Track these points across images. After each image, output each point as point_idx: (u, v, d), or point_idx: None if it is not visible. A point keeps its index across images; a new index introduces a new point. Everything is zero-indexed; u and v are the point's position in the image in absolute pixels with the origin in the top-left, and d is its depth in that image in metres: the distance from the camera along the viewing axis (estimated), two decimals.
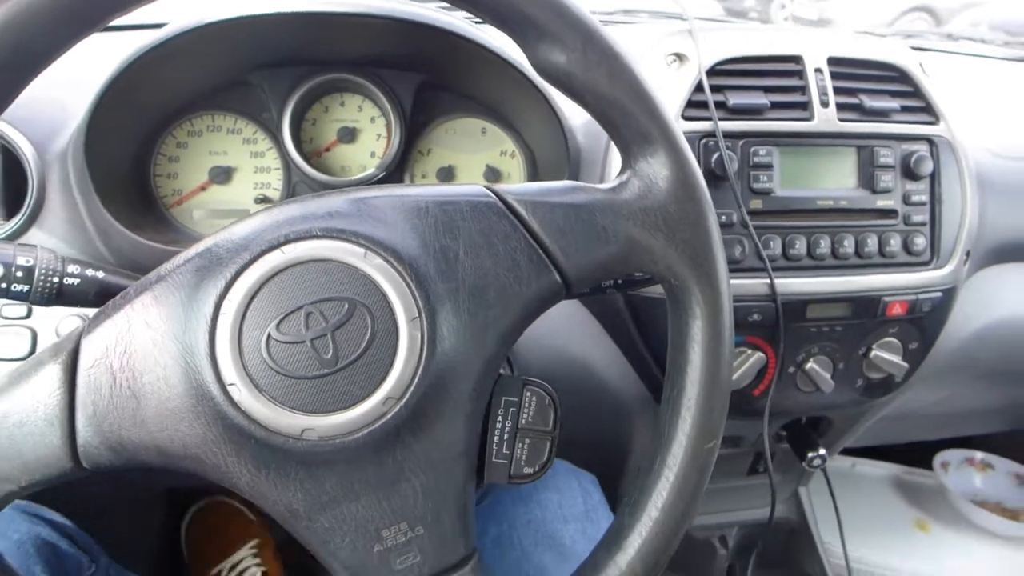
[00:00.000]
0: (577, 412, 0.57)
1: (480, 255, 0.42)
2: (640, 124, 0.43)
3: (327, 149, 0.77)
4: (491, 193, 0.43)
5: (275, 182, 0.76)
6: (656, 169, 0.44)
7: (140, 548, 1.17)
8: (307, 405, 0.38)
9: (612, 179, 0.45)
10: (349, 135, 0.77)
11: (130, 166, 0.72)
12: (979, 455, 1.44)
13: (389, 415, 0.39)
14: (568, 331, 0.78)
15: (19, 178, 0.65)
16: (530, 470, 0.45)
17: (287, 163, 0.75)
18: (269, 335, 0.38)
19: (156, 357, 0.39)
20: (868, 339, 0.78)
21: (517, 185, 0.44)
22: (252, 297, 0.39)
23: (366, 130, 0.78)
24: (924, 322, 0.79)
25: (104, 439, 0.39)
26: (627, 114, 0.43)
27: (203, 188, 0.75)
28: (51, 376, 0.39)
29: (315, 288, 0.39)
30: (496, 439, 0.45)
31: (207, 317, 0.39)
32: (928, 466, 1.39)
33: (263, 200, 0.76)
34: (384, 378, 0.39)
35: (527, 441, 0.45)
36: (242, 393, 0.38)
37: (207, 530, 1.19)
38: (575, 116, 0.73)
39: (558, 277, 0.43)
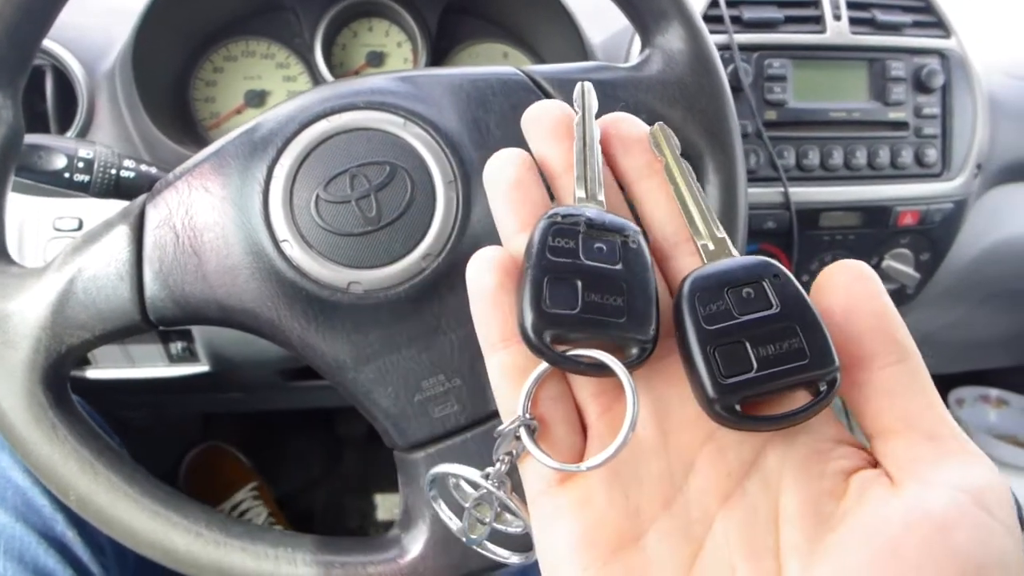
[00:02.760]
0: None
1: (510, 127, 0.45)
2: (657, 1, 0.46)
3: (356, 72, 0.81)
4: (520, 72, 0.46)
5: None
6: (673, 44, 0.46)
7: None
8: (353, 260, 0.41)
9: (634, 58, 0.48)
10: (377, 59, 0.80)
11: (171, 89, 0.75)
12: (994, 392, 1.46)
13: (428, 270, 0.42)
14: None
15: (69, 97, 0.69)
16: None
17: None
18: (317, 196, 0.42)
19: (215, 219, 0.42)
20: (880, 248, 0.81)
21: (544, 65, 0.47)
22: (301, 162, 0.42)
23: (393, 55, 0.81)
24: (935, 233, 0.81)
25: (169, 292, 0.42)
26: None
27: (238, 111, 0.79)
28: (121, 235, 0.42)
29: (359, 153, 0.42)
30: None
31: (260, 181, 0.42)
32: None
33: None
34: (423, 236, 0.42)
35: None
36: (294, 249, 0.41)
37: (204, 474, 1.22)
38: (595, 34, 0.76)
39: None
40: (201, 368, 0.76)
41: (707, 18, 0.74)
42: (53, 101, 0.69)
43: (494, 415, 0.44)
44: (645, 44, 0.48)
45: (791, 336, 0.25)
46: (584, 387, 0.28)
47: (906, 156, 0.78)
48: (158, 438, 1.10)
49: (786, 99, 0.75)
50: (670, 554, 0.26)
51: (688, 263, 0.29)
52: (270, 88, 0.79)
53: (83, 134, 0.69)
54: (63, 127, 0.69)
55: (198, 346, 0.73)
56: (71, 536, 0.57)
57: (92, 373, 0.73)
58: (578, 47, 0.75)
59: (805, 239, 0.77)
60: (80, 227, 0.69)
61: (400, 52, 0.81)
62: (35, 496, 0.58)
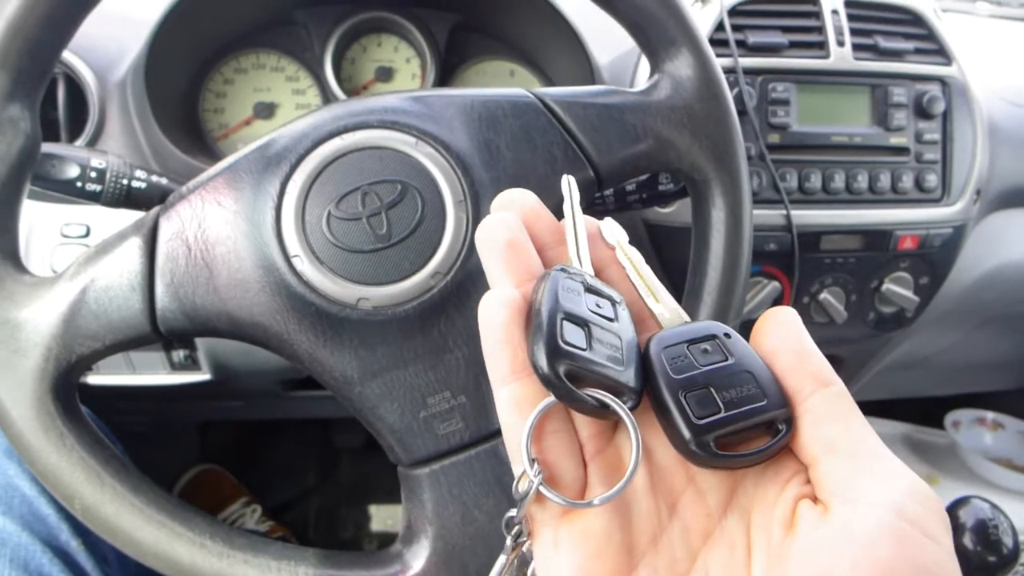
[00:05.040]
0: None
1: (520, 148, 0.45)
2: (667, 29, 0.47)
3: (364, 87, 0.81)
4: (531, 94, 0.47)
5: None
6: (682, 70, 0.47)
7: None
8: (363, 276, 0.42)
9: (643, 83, 0.49)
10: (385, 74, 0.81)
11: (181, 99, 0.76)
12: (990, 415, 1.46)
13: (436, 289, 0.42)
14: None
15: (80, 105, 0.69)
16: None
17: (327, 100, 0.79)
18: (329, 212, 0.42)
19: (227, 232, 0.43)
20: (880, 272, 0.81)
21: (555, 88, 0.48)
22: (314, 178, 0.43)
23: (401, 70, 0.82)
24: (934, 257, 0.82)
25: (180, 304, 0.42)
26: (655, 20, 0.47)
27: (247, 123, 0.79)
28: (133, 247, 0.43)
29: (371, 172, 0.43)
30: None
31: (273, 196, 0.42)
32: (939, 426, 1.42)
33: None
34: (433, 254, 0.43)
35: None
36: (304, 264, 0.42)
37: (199, 492, 1.23)
38: (602, 55, 0.77)
39: (591, 172, 0.46)
40: (202, 377, 0.76)
41: (712, 42, 0.75)
42: (64, 109, 0.69)
43: (498, 433, 0.45)
44: (654, 69, 0.48)
45: (748, 382, 0.28)
46: (584, 427, 0.30)
47: (907, 181, 0.79)
48: (155, 445, 1.10)
49: (789, 123, 0.76)
50: None
51: (650, 333, 0.32)
52: (279, 101, 0.80)
53: (93, 143, 0.69)
54: (73, 135, 0.69)
55: (200, 355, 0.73)
56: (75, 545, 0.58)
57: (93, 379, 0.74)
58: (585, 67, 0.76)
59: (806, 262, 0.78)
60: (88, 234, 0.69)
61: (408, 68, 0.82)
62: (41, 505, 0.58)
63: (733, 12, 0.76)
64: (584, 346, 0.28)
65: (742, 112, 0.74)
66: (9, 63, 0.42)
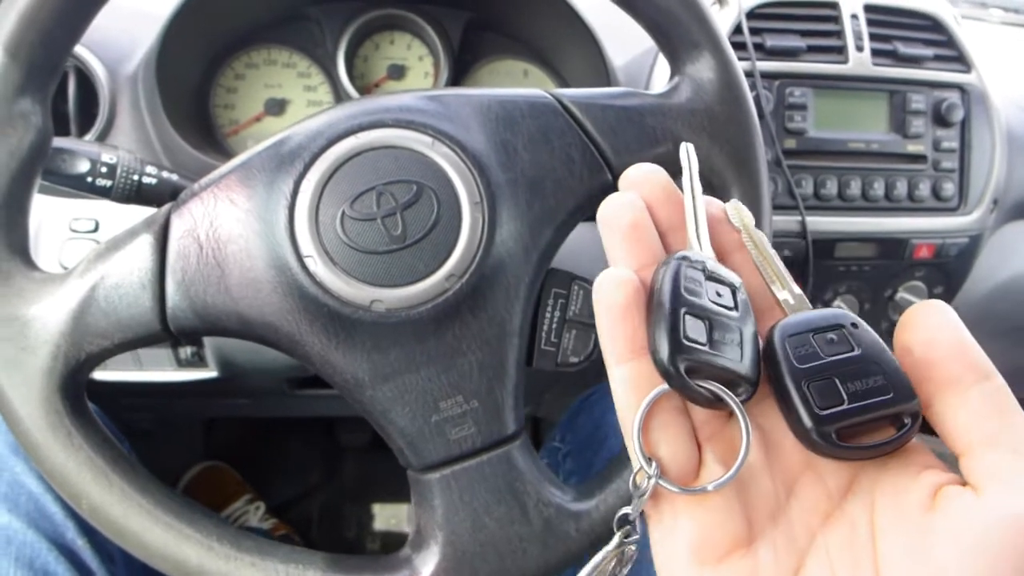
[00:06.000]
0: None
1: (538, 150, 0.45)
2: (689, 31, 0.46)
3: (376, 85, 0.81)
4: (549, 95, 0.46)
5: None
6: (703, 73, 0.46)
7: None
8: (376, 278, 0.41)
9: (663, 85, 0.48)
10: (398, 72, 0.80)
11: (192, 95, 0.76)
12: None
13: (451, 291, 0.42)
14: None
15: (90, 99, 0.69)
16: (576, 359, 0.48)
17: (338, 97, 0.79)
18: (343, 212, 0.41)
19: (239, 231, 0.42)
20: (894, 281, 0.81)
21: (573, 89, 0.47)
22: (328, 178, 0.42)
23: (414, 68, 0.81)
24: (950, 267, 0.81)
25: (191, 303, 0.42)
26: (676, 21, 0.46)
27: (258, 119, 0.79)
28: (144, 244, 0.42)
29: (386, 171, 0.42)
30: (545, 327, 0.48)
31: (287, 195, 0.42)
32: None
33: None
34: (448, 256, 0.42)
35: (574, 332, 0.48)
36: (317, 265, 0.41)
37: (203, 489, 1.24)
38: (617, 56, 0.76)
39: (608, 174, 0.46)
40: (209, 374, 0.75)
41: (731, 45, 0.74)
42: (75, 103, 0.69)
43: (510, 439, 0.44)
44: (675, 72, 0.48)
45: (875, 374, 0.28)
46: (696, 412, 0.31)
47: (923, 189, 0.78)
48: (160, 441, 1.10)
49: (806, 128, 0.75)
50: (777, 563, 0.29)
51: (773, 320, 0.31)
52: (290, 97, 0.79)
53: (103, 137, 0.69)
54: (83, 129, 0.69)
55: (208, 352, 0.73)
56: (81, 544, 0.57)
57: (99, 375, 0.73)
58: (600, 68, 0.75)
59: (820, 269, 0.77)
60: (96, 228, 0.69)
61: (421, 66, 0.81)
62: (48, 503, 0.57)
63: (751, 15, 0.75)
64: (704, 340, 0.28)
65: (759, 116, 0.73)
66: (22, 56, 0.41)
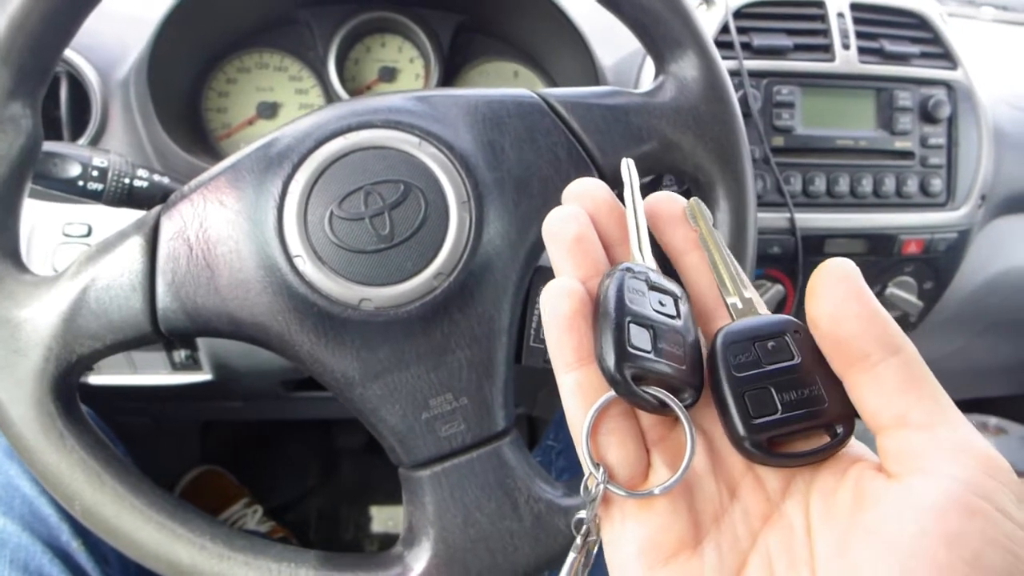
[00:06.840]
0: None
1: (524, 149, 0.45)
2: (672, 30, 0.47)
3: (368, 87, 0.81)
4: (535, 95, 0.47)
5: None
6: (687, 72, 0.47)
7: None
8: (365, 277, 0.42)
9: (648, 84, 0.48)
10: (389, 75, 0.81)
11: (184, 99, 0.76)
12: (993, 420, 1.46)
13: (439, 290, 0.42)
14: None
15: (82, 103, 0.69)
16: None
17: (330, 100, 0.79)
18: (332, 212, 0.42)
19: (229, 232, 0.42)
20: (884, 276, 0.81)
21: (559, 89, 0.48)
22: (316, 178, 0.42)
23: (405, 70, 0.82)
24: (939, 262, 0.82)
25: (181, 304, 0.42)
26: (660, 20, 0.47)
27: (250, 122, 0.79)
28: (135, 246, 0.43)
29: (374, 171, 0.43)
30: (534, 325, 0.48)
31: (275, 196, 0.42)
32: None
33: None
34: (435, 255, 0.42)
35: None
36: (306, 264, 0.41)
37: (200, 493, 1.24)
38: (606, 56, 0.77)
39: (595, 173, 0.46)
40: (204, 377, 0.76)
41: (717, 44, 0.74)
42: (67, 108, 0.69)
43: (500, 435, 0.45)
44: (659, 71, 0.48)
45: (811, 384, 0.29)
46: (644, 417, 0.32)
47: (911, 185, 0.79)
48: (156, 446, 1.10)
49: (794, 126, 0.76)
50: (722, 564, 0.29)
51: (721, 323, 0.32)
52: (282, 100, 0.80)
53: (95, 141, 0.69)
54: (76, 134, 0.69)
55: (202, 355, 0.73)
56: (75, 546, 0.58)
57: (94, 379, 0.73)
58: (589, 69, 0.76)
59: (810, 265, 0.77)
60: (89, 233, 0.69)
61: (412, 68, 0.82)
62: (42, 506, 0.58)
63: (738, 14, 0.76)
64: (649, 348, 0.29)
65: (746, 115, 0.73)
66: (11, 60, 0.41)
